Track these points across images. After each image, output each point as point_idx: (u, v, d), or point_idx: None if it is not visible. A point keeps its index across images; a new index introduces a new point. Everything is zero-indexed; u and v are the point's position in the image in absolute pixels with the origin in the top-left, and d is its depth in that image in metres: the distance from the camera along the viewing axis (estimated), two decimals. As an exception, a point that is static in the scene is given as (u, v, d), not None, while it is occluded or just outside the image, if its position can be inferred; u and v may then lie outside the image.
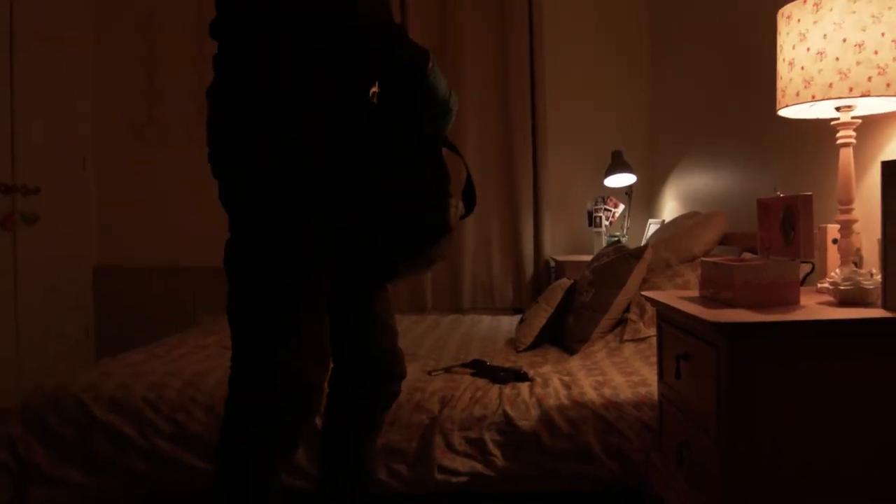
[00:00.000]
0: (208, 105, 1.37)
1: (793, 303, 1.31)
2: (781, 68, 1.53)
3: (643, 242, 3.13)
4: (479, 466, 1.70)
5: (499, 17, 3.97)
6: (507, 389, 1.82)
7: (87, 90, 4.09)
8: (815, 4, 1.43)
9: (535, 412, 1.74)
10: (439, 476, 1.69)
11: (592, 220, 3.79)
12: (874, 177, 1.69)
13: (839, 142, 1.51)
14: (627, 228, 3.87)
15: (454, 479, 1.69)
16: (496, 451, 1.71)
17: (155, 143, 4.16)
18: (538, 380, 1.89)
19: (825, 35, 1.41)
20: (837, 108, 1.50)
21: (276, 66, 1.30)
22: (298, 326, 1.32)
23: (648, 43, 4.08)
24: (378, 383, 1.54)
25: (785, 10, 1.51)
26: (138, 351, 2.28)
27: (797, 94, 1.47)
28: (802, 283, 1.49)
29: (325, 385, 1.40)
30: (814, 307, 1.29)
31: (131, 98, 4.18)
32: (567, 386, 1.83)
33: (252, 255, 1.32)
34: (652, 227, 3.58)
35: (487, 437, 1.72)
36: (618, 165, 3.76)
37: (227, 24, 1.34)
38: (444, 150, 1.46)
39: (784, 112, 1.57)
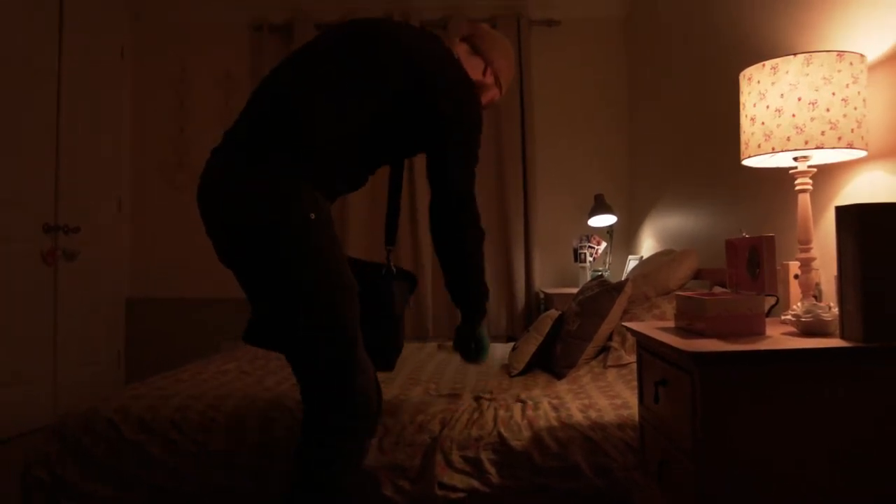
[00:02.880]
0: (226, 149, 1.44)
1: (759, 333, 1.31)
2: (744, 123, 1.56)
3: (624, 277, 3.14)
4: (475, 483, 1.68)
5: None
6: (502, 412, 1.81)
7: (124, 139, 4.15)
8: (773, 68, 1.47)
9: (527, 433, 1.72)
10: (439, 492, 1.67)
11: (578, 257, 3.81)
12: (830, 219, 1.71)
13: (797, 188, 1.53)
14: (609, 264, 3.88)
15: (453, 495, 1.67)
16: (491, 469, 1.69)
17: (183, 186, 4.20)
18: (530, 403, 1.88)
19: (782, 94, 1.44)
20: (795, 159, 1.53)
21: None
22: (357, 360, 1.44)
23: (627, 98, 4.15)
24: None
25: (746, 73, 1.55)
26: (165, 375, 2.26)
27: (759, 146, 1.50)
28: (768, 315, 1.50)
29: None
30: (778, 337, 1.29)
31: (163, 145, 4.23)
32: (556, 409, 1.82)
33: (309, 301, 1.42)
34: (631, 262, 3.59)
35: (483, 456, 1.70)
36: (600, 207, 3.79)
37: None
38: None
39: (748, 162, 1.60)
